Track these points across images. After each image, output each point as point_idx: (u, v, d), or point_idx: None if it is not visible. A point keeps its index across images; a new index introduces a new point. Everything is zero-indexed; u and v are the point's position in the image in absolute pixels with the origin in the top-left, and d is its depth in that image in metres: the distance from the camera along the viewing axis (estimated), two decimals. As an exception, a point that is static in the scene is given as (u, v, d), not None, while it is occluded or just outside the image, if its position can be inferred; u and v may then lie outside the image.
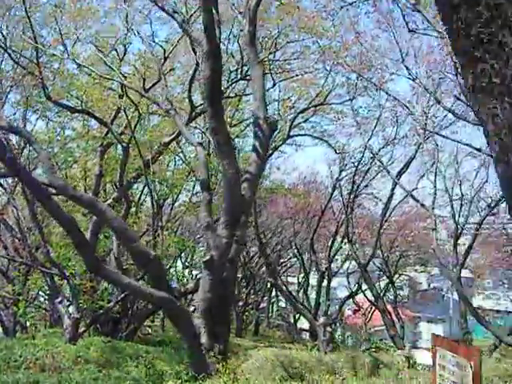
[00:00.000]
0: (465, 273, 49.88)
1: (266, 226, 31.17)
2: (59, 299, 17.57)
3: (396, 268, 34.10)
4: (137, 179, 20.18)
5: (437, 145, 21.36)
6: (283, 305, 43.43)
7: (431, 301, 45.01)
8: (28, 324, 32.56)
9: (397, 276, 37.92)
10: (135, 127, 17.88)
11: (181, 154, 25.23)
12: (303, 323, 43.61)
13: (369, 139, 22.71)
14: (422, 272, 42.60)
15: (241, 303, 33.76)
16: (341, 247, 31.92)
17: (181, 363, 16.14)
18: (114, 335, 19.05)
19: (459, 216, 25.91)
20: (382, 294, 31.70)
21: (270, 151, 23.77)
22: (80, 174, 23.07)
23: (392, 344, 25.72)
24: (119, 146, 19.93)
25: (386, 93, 19.66)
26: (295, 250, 34.30)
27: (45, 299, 29.61)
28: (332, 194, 27.14)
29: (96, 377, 12.86)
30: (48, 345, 16.06)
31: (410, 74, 19.03)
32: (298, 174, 33.77)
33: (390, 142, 23.63)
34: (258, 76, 10.85)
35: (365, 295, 33.81)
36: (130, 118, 19.01)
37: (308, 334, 42.29)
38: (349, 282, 35.60)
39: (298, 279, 40.75)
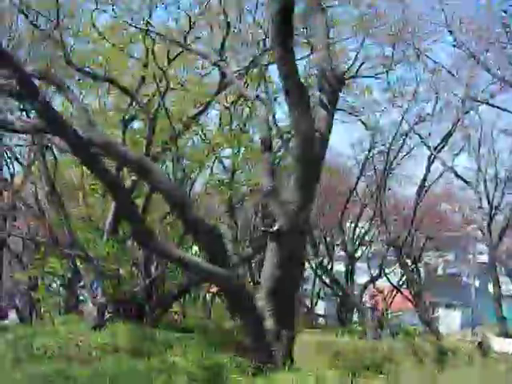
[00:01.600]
0: (482, 258, 48.42)
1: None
2: (81, 283, 15.80)
3: (422, 252, 32.22)
4: (161, 155, 18.24)
5: (479, 117, 19.62)
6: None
7: (449, 286, 43.24)
8: (42, 310, 31.02)
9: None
10: (163, 96, 15.98)
11: (200, 132, 23.23)
12: (320, 309, 42.02)
13: (405, 112, 20.77)
14: (439, 257, 40.83)
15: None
16: (368, 230, 30.09)
17: (219, 352, 14.50)
18: (138, 321, 17.24)
19: (493, 197, 24.08)
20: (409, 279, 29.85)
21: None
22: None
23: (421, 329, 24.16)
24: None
25: (431, 60, 17.71)
26: (320, 231, 32.25)
27: (58, 284, 27.95)
28: (362, 173, 25.33)
29: (132, 367, 11.06)
30: (71, 332, 14.31)
31: (455, 39, 17.23)
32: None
33: (425, 116, 21.71)
34: (322, 23, 9.00)
35: (389, 280, 32.19)
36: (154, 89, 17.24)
37: (323, 319, 40.82)
38: (369, 267, 33.77)
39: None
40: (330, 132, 8.70)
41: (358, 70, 21.79)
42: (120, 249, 17.79)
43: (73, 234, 14.97)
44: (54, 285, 29.02)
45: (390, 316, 34.46)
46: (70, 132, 6.51)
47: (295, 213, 8.20)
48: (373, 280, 31.19)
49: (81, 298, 29.46)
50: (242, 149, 20.91)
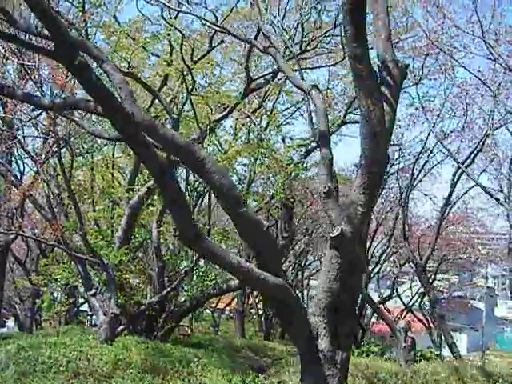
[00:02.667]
0: (486, 282, 47.34)
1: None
2: (92, 291, 14.52)
3: (436, 273, 30.92)
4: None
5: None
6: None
7: (455, 309, 41.76)
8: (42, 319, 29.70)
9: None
10: (189, 96, 14.81)
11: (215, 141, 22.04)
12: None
13: (431, 128, 19.62)
14: (445, 280, 39.33)
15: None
16: (386, 248, 28.81)
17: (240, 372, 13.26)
18: (149, 335, 15.96)
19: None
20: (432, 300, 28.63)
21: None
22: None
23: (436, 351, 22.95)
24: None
25: (469, 71, 16.54)
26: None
27: (61, 293, 26.67)
28: (383, 189, 24.15)
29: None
30: (81, 345, 13.02)
31: (491, 52, 16.14)
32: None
33: (454, 131, 20.59)
34: (383, 11, 7.84)
35: (402, 301, 30.92)
36: (178, 88, 16.13)
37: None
38: (379, 286, 32.49)
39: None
40: (393, 127, 7.48)
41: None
42: (132, 258, 16.60)
43: (86, 239, 13.70)
44: (55, 293, 27.81)
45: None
46: (118, 107, 5.33)
47: (359, 216, 6.97)
48: (384, 300, 29.93)
49: (82, 308, 28.33)
50: (261, 159, 19.81)
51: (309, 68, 18.62)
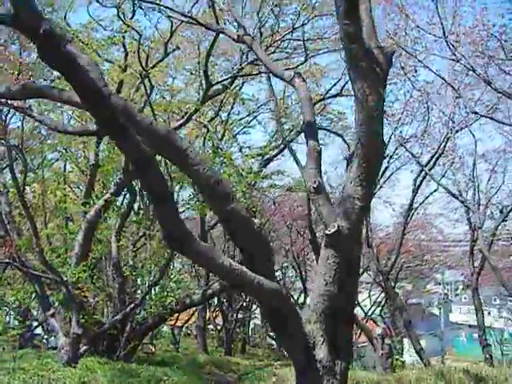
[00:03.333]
0: (439, 288, 47.54)
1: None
2: (51, 311, 13.43)
3: (396, 281, 30.62)
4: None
5: (473, 135, 18.34)
6: (258, 322, 39.58)
7: (412, 316, 41.73)
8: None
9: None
10: (148, 101, 13.97)
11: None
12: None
13: (394, 131, 19.21)
14: (401, 288, 39.16)
15: (230, 318, 29.65)
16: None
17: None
18: (111, 355, 14.94)
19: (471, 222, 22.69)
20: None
21: (282, 146, 20.26)
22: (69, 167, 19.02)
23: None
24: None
25: (434, 72, 16.16)
26: (293, 262, 30.31)
27: (13, 316, 25.11)
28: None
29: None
30: (41, 369, 11.93)
31: (454, 53, 15.86)
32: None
33: (413, 136, 20.20)
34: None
35: (361, 308, 30.53)
36: (132, 95, 15.31)
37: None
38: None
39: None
40: (382, 122, 6.82)
41: (342, 88, 20.36)
42: (90, 275, 15.54)
43: (43, 255, 12.63)
44: (7, 317, 26.18)
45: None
46: (91, 84, 4.52)
47: (357, 211, 6.29)
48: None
49: (36, 331, 26.74)
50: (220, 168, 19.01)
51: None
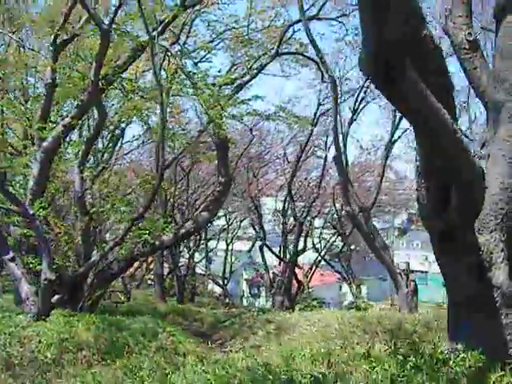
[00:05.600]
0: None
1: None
2: (10, 255, 10.58)
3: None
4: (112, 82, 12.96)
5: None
6: (199, 271, 37.24)
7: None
8: None
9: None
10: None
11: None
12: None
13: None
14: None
15: (182, 266, 27.23)
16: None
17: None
18: (74, 306, 12.18)
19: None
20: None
21: (256, 71, 17.56)
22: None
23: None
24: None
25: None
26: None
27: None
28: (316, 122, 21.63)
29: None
30: (7, 325, 9.14)
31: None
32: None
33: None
34: None
35: (319, 253, 28.96)
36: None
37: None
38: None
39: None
40: None
41: (321, 8, 17.77)
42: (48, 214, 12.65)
43: (4, 183, 9.68)
44: None
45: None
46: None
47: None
48: (298, 254, 27.59)
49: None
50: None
51: None
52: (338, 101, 17.39)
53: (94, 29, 12.41)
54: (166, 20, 12.69)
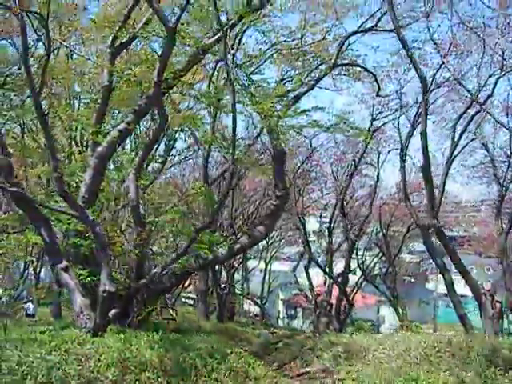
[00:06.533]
0: (410, 258, 44.98)
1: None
2: (63, 264, 9.72)
3: (402, 243, 27.85)
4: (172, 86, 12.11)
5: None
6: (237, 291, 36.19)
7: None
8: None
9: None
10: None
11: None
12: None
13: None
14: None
15: (223, 285, 26.21)
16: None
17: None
18: (122, 322, 11.28)
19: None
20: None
21: (313, 82, 16.61)
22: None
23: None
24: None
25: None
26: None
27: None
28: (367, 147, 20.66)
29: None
30: (63, 341, 8.19)
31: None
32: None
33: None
34: None
35: (364, 273, 27.74)
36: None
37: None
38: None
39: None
40: None
41: (379, 19, 16.80)
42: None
43: (62, 181, 8.77)
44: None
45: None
46: None
47: None
48: (345, 273, 26.30)
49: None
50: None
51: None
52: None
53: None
54: (231, 21, 11.92)
